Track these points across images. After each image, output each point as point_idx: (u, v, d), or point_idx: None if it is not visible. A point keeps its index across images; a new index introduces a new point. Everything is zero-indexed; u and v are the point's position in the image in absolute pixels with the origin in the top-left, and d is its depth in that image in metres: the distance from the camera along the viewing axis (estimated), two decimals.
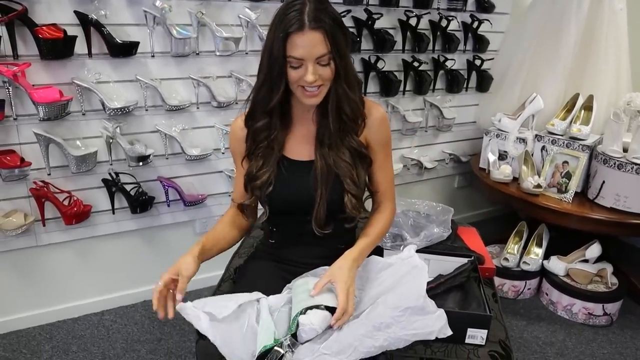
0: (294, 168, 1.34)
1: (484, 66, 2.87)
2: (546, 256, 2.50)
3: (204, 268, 1.18)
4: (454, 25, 2.69)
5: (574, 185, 2.31)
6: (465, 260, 1.56)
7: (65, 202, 1.99)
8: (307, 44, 1.15)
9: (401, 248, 1.57)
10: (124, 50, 1.92)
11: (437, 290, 1.40)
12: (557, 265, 2.41)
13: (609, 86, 2.58)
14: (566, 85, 2.62)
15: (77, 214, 2.00)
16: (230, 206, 1.48)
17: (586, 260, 2.41)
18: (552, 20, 2.66)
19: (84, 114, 1.95)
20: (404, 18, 2.51)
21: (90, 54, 1.90)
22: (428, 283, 1.44)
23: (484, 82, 2.88)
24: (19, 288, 2.08)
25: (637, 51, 2.70)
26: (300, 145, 1.35)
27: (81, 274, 2.20)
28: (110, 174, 2.05)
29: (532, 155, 2.50)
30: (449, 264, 1.58)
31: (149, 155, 2.06)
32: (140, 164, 2.05)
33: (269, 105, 1.26)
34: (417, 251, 1.60)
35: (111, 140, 2.00)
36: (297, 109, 1.34)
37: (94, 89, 1.91)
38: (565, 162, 2.36)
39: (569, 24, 2.59)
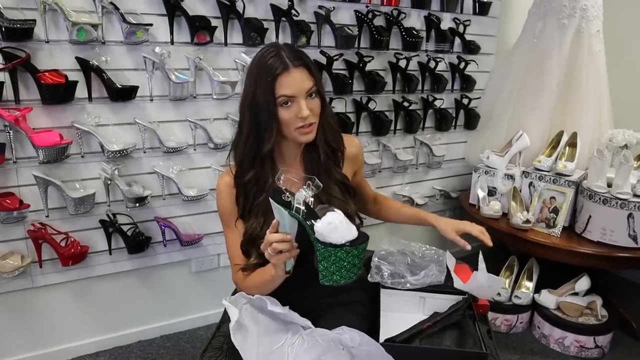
0: None
1: (471, 105, 2.96)
2: (537, 290, 2.54)
3: (204, 306, 1.16)
4: (442, 67, 2.79)
5: (562, 220, 2.37)
6: (460, 297, 1.60)
7: (63, 244, 2.00)
8: (296, 81, 1.24)
9: (399, 286, 1.61)
10: (124, 94, 1.97)
11: (434, 328, 1.43)
12: (547, 298, 2.45)
13: (592, 123, 2.67)
14: (551, 122, 2.71)
15: (74, 255, 2.01)
16: (236, 272, 1.40)
17: (576, 293, 2.45)
18: (535, 61, 2.76)
19: (83, 157, 1.99)
20: (394, 60, 2.60)
21: (90, 98, 1.95)
22: (424, 322, 1.48)
23: (471, 120, 2.97)
24: (13, 330, 2.07)
25: (616, 90, 2.81)
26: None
27: (76, 315, 2.19)
28: (107, 215, 2.07)
29: (520, 191, 2.56)
30: (444, 301, 1.61)
31: (147, 196, 2.09)
32: (138, 204, 2.07)
33: (260, 154, 1.30)
34: (414, 290, 1.65)
35: (109, 182, 2.03)
36: (283, 154, 1.38)
37: (94, 132, 1.95)
38: (553, 197, 2.42)
39: (551, 64, 2.69)
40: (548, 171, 2.52)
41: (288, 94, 1.24)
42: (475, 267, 1.80)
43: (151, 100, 2.07)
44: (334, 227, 1.07)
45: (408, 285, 1.64)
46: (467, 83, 2.90)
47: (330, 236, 1.07)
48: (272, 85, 1.23)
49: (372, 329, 1.42)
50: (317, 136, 1.35)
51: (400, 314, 1.63)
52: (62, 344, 2.19)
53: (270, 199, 1.12)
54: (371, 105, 2.57)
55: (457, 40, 2.84)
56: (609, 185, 2.31)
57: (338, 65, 2.46)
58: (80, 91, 1.92)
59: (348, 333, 1.29)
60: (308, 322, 1.33)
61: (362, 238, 1.10)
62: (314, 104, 1.28)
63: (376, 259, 1.73)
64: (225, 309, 1.63)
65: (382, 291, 1.63)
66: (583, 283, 2.43)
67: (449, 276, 1.75)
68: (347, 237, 1.08)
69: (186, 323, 2.45)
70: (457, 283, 1.67)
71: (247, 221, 1.36)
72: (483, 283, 1.53)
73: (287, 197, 1.09)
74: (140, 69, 2.03)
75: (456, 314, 1.48)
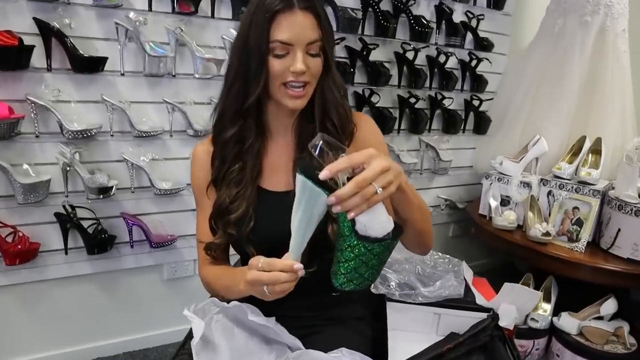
0: (269, 200, 1.10)
1: (482, 107, 2.70)
2: (555, 312, 2.26)
3: (176, 320, 0.94)
4: (451, 63, 2.54)
5: (587, 233, 2.10)
6: (483, 315, 1.31)
7: (9, 239, 1.71)
8: (298, 26, 0.97)
9: (410, 299, 1.33)
10: (89, 65, 1.70)
11: (457, 352, 1.15)
12: (568, 322, 2.16)
13: (615, 129, 2.44)
14: (570, 127, 2.47)
15: (21, 253, 1.72)
16: (201, 253, 1.17)
17: (600, 317, 2.17)
18: (554, 61, 2.54)
19: (37, 136, 1.70)
20: (401, 51, 2.35)
21: (49, 67, 1.67)
22: (443, 343, 1.20)
23: (482, 124, 2.71)
24: None
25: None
26: (274, 172, 1.12)
27: (23, 326, 1.88)
28: (64, 207, 1.78)
29: (538, 200, 2.30)
30: (464, 319, 1.33)
31: (112, 187, 1.80)
32: (101, 196, 1.79)
33: (244, 104, 1.04)
34: (426, 304, 1.37)
35: (68, 168, 1.74)
36: (273, 122, 1.12)
37: (52, 108, 1.67)
38: (576, 208, 2.16)
39: (572, 64, 2.47)
40: (569, 179, 2.26)
41: (284, 39, 0.97)
42: (494, 284, 1.53)
43: (122, 74, 1.80)
44: (376, 215, 0.81)
45: (420, 298, 1.37)
46: (479, 83, 2.65)
47: (373, 227, 0.82)
48: (269, 25, 0.97)
49: (377, 351, 1.15)
50: (314, 106, 1.08)
51: (410, 333, 1.37)
52: (5, 359, 1.87)
53: (302, 176, 0.80)
54: (374, 99, 2.31)
55: (469, 37, 2.59)
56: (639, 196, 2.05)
57: (339, 52, 2.20)
58: (38, 59, 1.65)
59: (348, 356, 1.01)
60: (298, 342, 1.05)
61: (398, 227, 0.85)
62: (314, 63, 1.01)
63: None
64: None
65: (389, 305, 1.36)
66: (609, 306, 2.15)
67: (467, 290, 1.47)
68: (387, 227, 0.83)
69: (154, 339, 2.15)
70: (480, 299, 1.39)
71: (218, 190, 1.11)
72: (515, 297, 1.25)
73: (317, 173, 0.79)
74: (111, 39, 1.76)
75: (483, 335, 1.19)
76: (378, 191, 0.78)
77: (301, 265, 0.86)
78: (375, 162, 0.79)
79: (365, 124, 1.15)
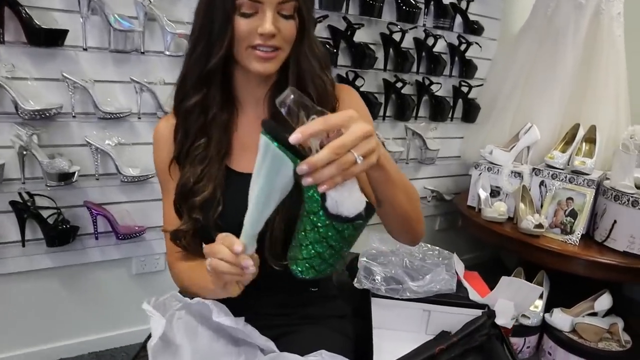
0: (239, 182, 0.95)
1: (471, 94, 2.60)
2: (547, 308, 2.16)
3: (145, 317, 0.84)
4: (440, 47, 2.43)
5: (581, 225, 2.01)
6: (477, 312, 1.20)
7: None
8: None
9: (397, 295, 1.21)
10: (48, 38, 1.55)
11: (451, 353, 1.03)
12: (561, 319, 2.07)
13: (610, 117, 2.34)
14: (563, 115, 2.37)
15: None
16: (168, 244, 1.05)
17: (594, 314, 2.08)
18: (546, 45, 2.44)
19: None
20: (387, 32, 2.22)
21: (2, 40, 1.52)
22: (434, 343, 1.08)
23: (470, 112, 2.61)
24: None
25: (635, 81, 2.48)
26: (245, 151, 0.99)
27: None
28: (21, 194, 1.64)
29: (530, 190, 2.20)
30: (456, 317, 1.23)
31: (74, 174, 1.66)
32: (62, 183, 1.64)
33: (206, 66, 0.91)
34: (415, 300, 1.25)
35: (25, 152, 1.59)
36: (241, 92, 0.99)
37: (5, 85, 1.52)
38: (570, 198, 2.06)
39: (565, 48, 2.37)
40: (562, 169, 2.17)
41: None
42: (487, 278, 1.42)
43: (85, 50, 1.65)
44: (349, 190, 0.68)
45: (408, 293, 1.25)
46: (468, 68, 2.54)
47: (344, 204, 0.69)
48: None
49: (361, 353, 1.06)
50: (289, 74, 0.95)
51: (398, 332, 1.25)
52: None
53: (266, 137, 0.66)
54: (358, 83, 2.18)
55: (459, 20, 2.48)
56: (637, 187, 1.96)
57: (321, 32, 2.07)
58: None
59: (328, 359, 0.89)
60: (271, 344, 0.93)
61: (370, 205, 0.73)
62: (286, 25, 0.88)
63: (364, 259, 1.33)
64: None
65: (374, 301, 1.25)
66: (604, 301, 2.07)
67: (458, 284, 1.36)
68: (359, 206, 0.70)
69: (122, 338, 2.01)
70: (473, 294, 1.27)
71: (182, 169, 0.98)
72: (513, 293, 1.14)
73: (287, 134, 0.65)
74: (73, 11, 1.61)
75: (479, 334, 1.08)
76: (358, 160, 0.65)
77: (240, 248, 0.73)
78: (355, 126, 0.66)
79: (349, 96, 1.02)
